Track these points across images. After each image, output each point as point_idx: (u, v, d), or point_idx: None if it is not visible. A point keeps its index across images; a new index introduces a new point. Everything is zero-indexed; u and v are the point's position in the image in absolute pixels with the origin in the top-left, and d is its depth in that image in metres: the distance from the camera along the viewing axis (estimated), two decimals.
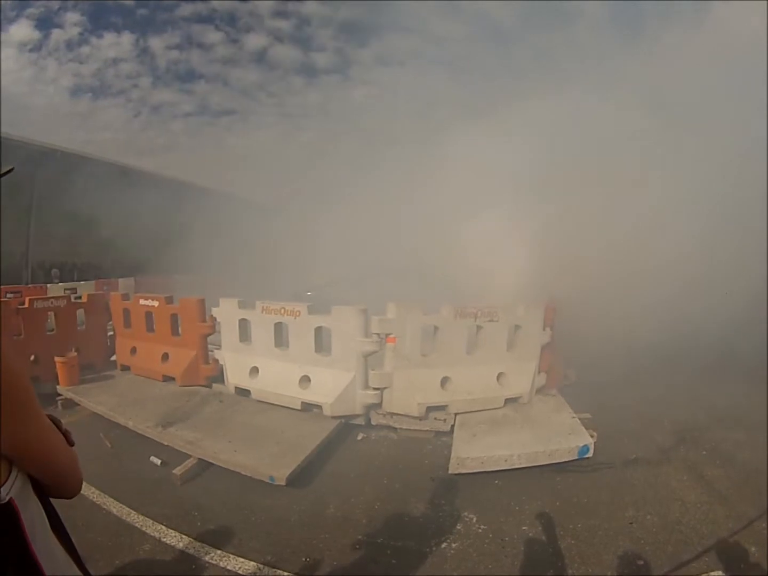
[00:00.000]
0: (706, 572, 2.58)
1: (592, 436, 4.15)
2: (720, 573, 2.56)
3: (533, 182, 9.28)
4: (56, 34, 35.42)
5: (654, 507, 3.28)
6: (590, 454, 3.99)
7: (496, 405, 4.96)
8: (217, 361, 5.64)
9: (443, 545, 2.96)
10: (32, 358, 5.63)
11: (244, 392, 5.34)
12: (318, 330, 5.02)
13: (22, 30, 34.67)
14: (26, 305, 5.79)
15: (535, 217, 8.64)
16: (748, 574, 2.56)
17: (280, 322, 5.22)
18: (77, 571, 1.01)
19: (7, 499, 0.77)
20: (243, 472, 3.74)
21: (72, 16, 37.94)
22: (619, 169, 8.83)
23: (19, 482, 0.81)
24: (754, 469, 3.73)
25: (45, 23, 39.80)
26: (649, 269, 7.91)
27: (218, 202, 22.99)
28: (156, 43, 39.68)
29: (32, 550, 0.81)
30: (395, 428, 4.72)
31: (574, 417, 4.68)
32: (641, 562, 2.70)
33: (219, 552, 2.86)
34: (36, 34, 34.94)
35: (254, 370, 5.30)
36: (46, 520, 0.92)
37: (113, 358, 6.48)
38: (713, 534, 2.93)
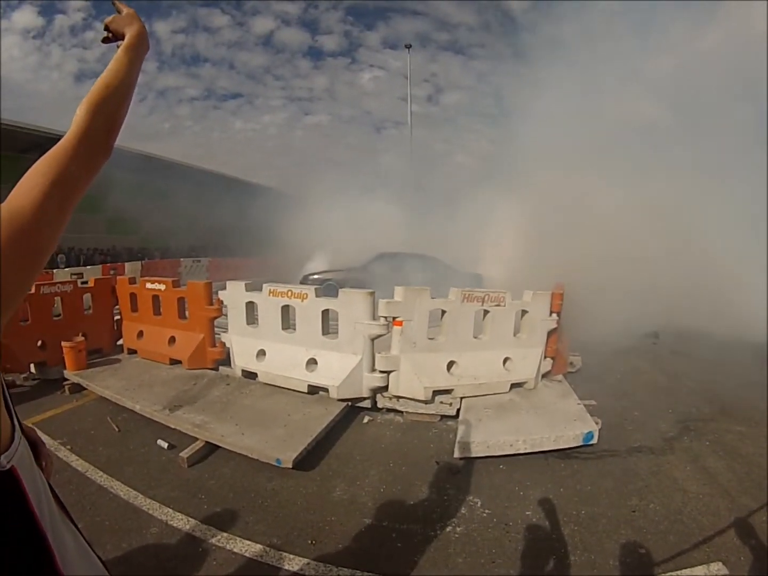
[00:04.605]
0: (706, 563, 2.58)
1: (596, 423, 4.15)
2: (720, 564, 2.56)
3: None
4: (60, 20, 35.05)
5: (657, 496, 3.29)
6: (595, 441, 4.00)
7: (501, 390, 4.98)
8: (224, 344, 5.65)
9: (448, 529, 2.98)
10: (39, 343, 5.65)
11: (251, 375, 5.37)
12: (325, 313, 5.03)
13: (25, 16, 34.33)
14: (32, 290, 5.67)
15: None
16: (748, 566, 2.56)
17: (287, 305, 5.22)
18: (85, 545, 1.00)
19: (8, 466, 0.74)
20: (250, 455, 3.77)
21: (75, 3, 37.48)
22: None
23: (21, 450, 0.79)
24: (755, 462, 3.74)
25: (48, 9, 39.44)
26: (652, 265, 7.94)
27: (225, 186, 22.99)
28: (161, 27, 39.14)
29: (39, 522, 0.79)
30: (401, 411, 4.75)
31: (579, 403, 4.68)
32: (642, 551, 2.72)
33: (226, 534, 2.89)
34: (39, 21, 34.63)
35: (261, 353, 5.32)
36: (50, 494, 0.89)
37: (120, 342, 6.52)
38: (714, 525, 2.94)
